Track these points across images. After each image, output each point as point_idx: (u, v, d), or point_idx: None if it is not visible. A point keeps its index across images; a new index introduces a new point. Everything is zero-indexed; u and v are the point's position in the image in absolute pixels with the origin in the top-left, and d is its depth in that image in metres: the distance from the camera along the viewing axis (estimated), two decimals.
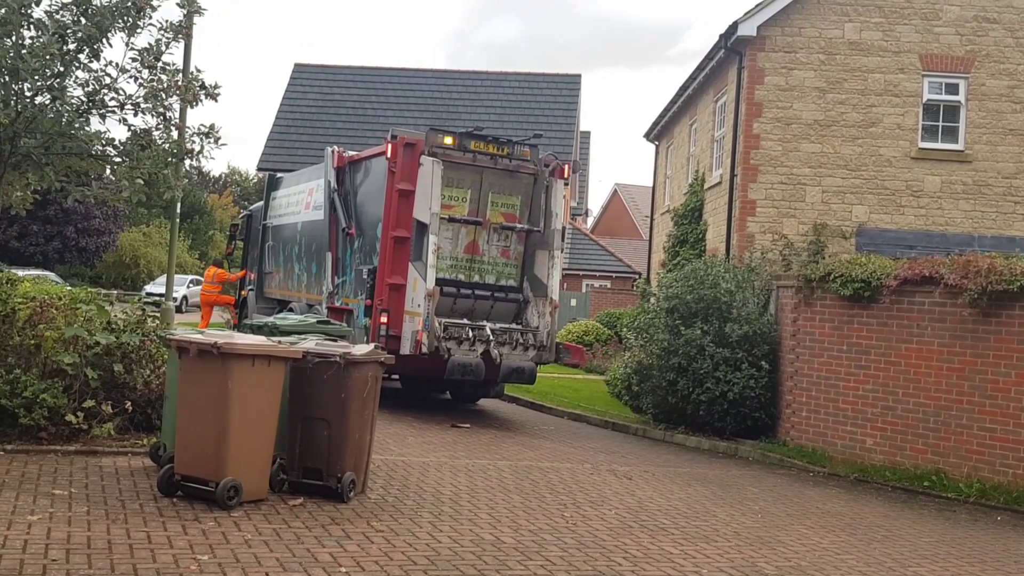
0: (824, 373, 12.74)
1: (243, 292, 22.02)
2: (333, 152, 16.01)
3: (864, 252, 15.99)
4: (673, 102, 24.06)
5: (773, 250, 16.83)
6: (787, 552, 7.73)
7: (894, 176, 18.01)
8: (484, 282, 14.47)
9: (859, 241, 17.73)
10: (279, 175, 20.74)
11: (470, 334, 13.76)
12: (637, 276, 39.04)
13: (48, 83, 11.66)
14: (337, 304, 15.45)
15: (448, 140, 14.01)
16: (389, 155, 14.05)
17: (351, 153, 16.13)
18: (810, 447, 12.75)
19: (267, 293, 19.83)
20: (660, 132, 27.32)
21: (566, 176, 14.81)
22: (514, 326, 14.43)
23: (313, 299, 16.65)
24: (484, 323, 14.06)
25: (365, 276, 14.55)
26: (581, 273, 43.54)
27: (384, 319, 13.77)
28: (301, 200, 17.93)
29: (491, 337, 13.89)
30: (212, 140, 12.69)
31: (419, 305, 13.54)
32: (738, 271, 14.85)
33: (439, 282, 13.76)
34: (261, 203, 20.97)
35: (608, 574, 6.56)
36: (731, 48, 18.33)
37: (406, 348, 13.45)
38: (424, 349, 13.38)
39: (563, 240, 14.95)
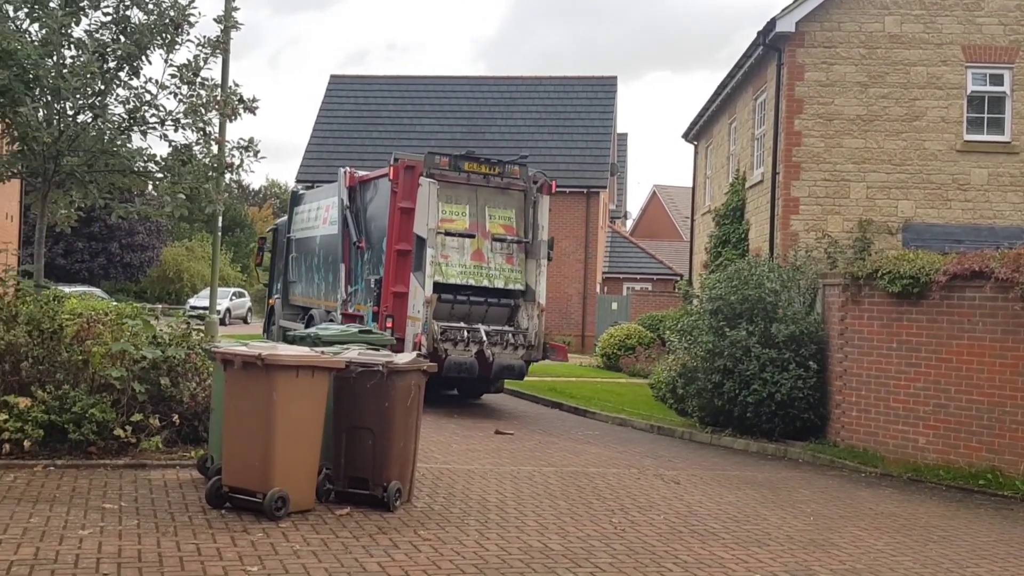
0: (874, 372, 12.53)
1: (270, 301, 23.89)
2: (345, 172, 17.43)
3: (911, 248, 15.74)
4: (712, 101, 23.87)
5: (818, 248, 16.61)
6: (841, 555, 7.58)
7: (940, 170, 17.70)
8: (493, 286, 15.85)
9: (906, 237, 17.45)
10: (301, 192, 22.36)
11: (465, 335, 15.15)
12: (679, 278, 38.79)
13: (89, 101, 11.82)
14: (350, 311, 16.93)
15: (444, 162, 15.49)
16: (391, 176, 15.50)
17: (361, 173, 17.51)
18: (861, 447, 12.53)
19: (291, 301, 21.47)
20: (699, 132, 27.12)
21: (553, 192, 16.41)
22: (506, 328, 15.82)
23: (330, 306, 18.10)
24: (479, 326, 15.42)
25: (372, 285, 16.08)
26: (621, 276, 43.33)
27: (389, 324, 15.12)
28: (320, 215, 19.49)
29: (484, 338, 15.23)
30: (251, 153, 12.81)
31: (419, 311, 15.01)
32: (783, 270, 14.67)
33: (448, 288, 15.35)
34: (285, 218, 22.61)
35: None
36: (770, 45, 18.14)
37: (408, 350, 14.35)
38: (423, 350, 14.41)
39: (551, 249, 16.47)
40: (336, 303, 17.54)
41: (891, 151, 17.75)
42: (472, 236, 15.65)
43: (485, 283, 15.71)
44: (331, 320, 17.68)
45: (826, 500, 10.02)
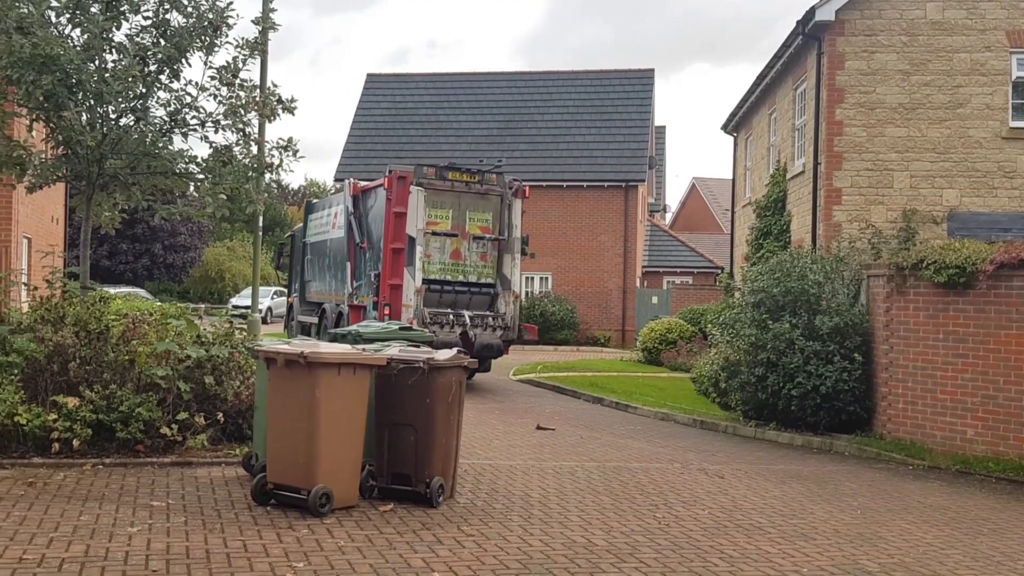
0: (920, 363, 12.34)
1: (289, 299, 26.77)
2: (350, 183, 20.30)
3: (957, 237, 15.46)
4: (751, 92, 23.63)
5: (861, 239, 16.39)
6: (889, 548, 7.48)
7: (985, 157, 17.38)
8: (468, 280, 18.54)
9: (951, 226, 17.15)
10: (314, 200, 25.68)
11: (451, 319, 17.89)
12: (719, 271, 38.49)
13: (131, 104, 11.95)
14: (355, 303, 19.59)
15: (431, 172, 18.12)
16: (386, 186, 18.19)
17: (363, 183, 20.23)
18: (908, 440, 12.36)
19: (308, 298, 24.18)
20: (738, 123, 26.88)
21: (526, 196, 19.29)
22: (487, 313, 18.54)
23: (339, 300, 20.72)
24: (464, 312, 18.11)
25: (373, 279, 18.65)
26: (661, 270, 43.10)
27: (387, 311, 17.59)
28: (329, 221, 22.22)
29: (468, 322, 17.94)
30: (291, 153, 12.87)
31: (411, 299, 17.60)
32: (826, 261, 14.49)
33: (432, 282, 18.01)
34: (302, 225, 25.39)
35: (704, 575, 6.42)
36: (809, 34, 17.91)
37: None
38: None
39: (526, 245, 19.45)
40: (344, 297, 20.19)
41: (935, 139, 17.46)
42: (455, 235, 18.31)
43: (461, 278, 18.46)
44: (340, 312, 20.23)
45: (873, 493, 9.89)
